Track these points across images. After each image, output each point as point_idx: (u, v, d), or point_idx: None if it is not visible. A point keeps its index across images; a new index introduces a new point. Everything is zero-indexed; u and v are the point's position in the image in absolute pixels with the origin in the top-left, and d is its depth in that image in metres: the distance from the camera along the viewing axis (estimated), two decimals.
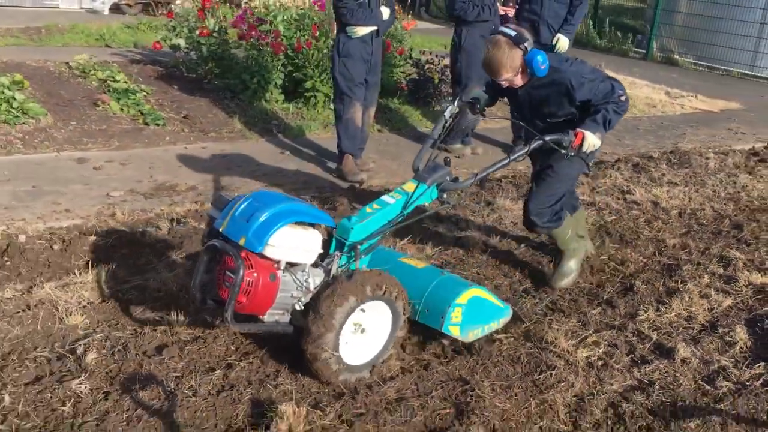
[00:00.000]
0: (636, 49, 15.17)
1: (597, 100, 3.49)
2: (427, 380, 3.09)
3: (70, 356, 2.96)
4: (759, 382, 3.28)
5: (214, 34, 8.10)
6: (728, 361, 3.44)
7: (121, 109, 6.87)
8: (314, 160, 6.27)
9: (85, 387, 2.76)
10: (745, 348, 3.57)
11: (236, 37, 7.83)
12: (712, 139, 8.26)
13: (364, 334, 3.05)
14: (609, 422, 2.96)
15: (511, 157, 3.34)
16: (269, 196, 2.95)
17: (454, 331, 3.19)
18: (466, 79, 6.59)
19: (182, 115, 7.02)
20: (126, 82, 7.50)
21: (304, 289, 2.92)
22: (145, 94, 7.32)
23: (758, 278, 4.34)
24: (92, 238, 4.08)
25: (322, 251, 2.99)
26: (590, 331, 3.59)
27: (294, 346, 2.95)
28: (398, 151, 6.74)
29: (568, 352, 3.36)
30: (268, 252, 2.76)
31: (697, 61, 15.11)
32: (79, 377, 2.81)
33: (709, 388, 3.23)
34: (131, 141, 6.20)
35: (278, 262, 2.82)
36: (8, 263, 3.75)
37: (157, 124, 6.65)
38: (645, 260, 4.55)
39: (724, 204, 5.78)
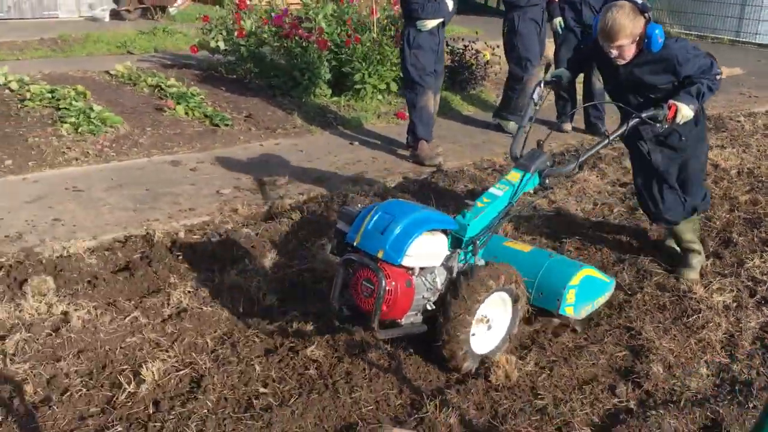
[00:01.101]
0: None
1: (695, 74, 3.47)
2: (595, 331, 3.48)
3: (288, 330, 3.29)
4: None
5: (253, 35, 8.35)
6: None
7: (186, 113, 7.11)
8: (383, 148, 6.60)
9: (319, 353, 3.10)
10: None
11: (279, 36, 8.07)
12: (732, 104, 8.74)
13: (488, 324, 3.16)
14: (759, 353, 3.37)
15: (611, 137, 3.38)
16: (399, 206, 3.01)
17: (569, 311, 3.33)
18: (525, 60, 6.94)
19: (244, 115, 7.29)
20: (178, 87, 7.72)
21: (433, 289, 3.02)
22: (201, 97, 7.56)
23: None
24: (245, 230, 4.37)
25: (449, 252, 3.09)
26: (711, 280, 3.99)
27: None
28: (452, 134, 7.10)
29: (705, 298, 3.76)
30: (406, 262, 2.85)
31: (687, 31, 15.64)
32: (308, 347, 3.14)
33: None
34: (210, 142, 6.48)
35: (412, 269, 2.92)
36: (180, 256, 4.04)
37: (226, 125, 6.92)
38: (727, 216, 4.98)
39: None
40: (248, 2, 9.07)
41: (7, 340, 3.11)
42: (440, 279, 3.05)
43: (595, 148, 3.46)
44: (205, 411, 2.72)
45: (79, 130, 6.25)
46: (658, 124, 3.39)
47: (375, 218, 2.92)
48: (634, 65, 3.50)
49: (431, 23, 5.92)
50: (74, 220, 4.62)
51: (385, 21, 8.24)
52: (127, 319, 3.34)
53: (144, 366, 2.93)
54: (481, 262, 3.19)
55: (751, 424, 2.85)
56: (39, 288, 3.53)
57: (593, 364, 3.21)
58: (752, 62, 12.14)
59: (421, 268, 2.97)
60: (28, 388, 2.81)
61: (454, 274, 3.06)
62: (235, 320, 3.42)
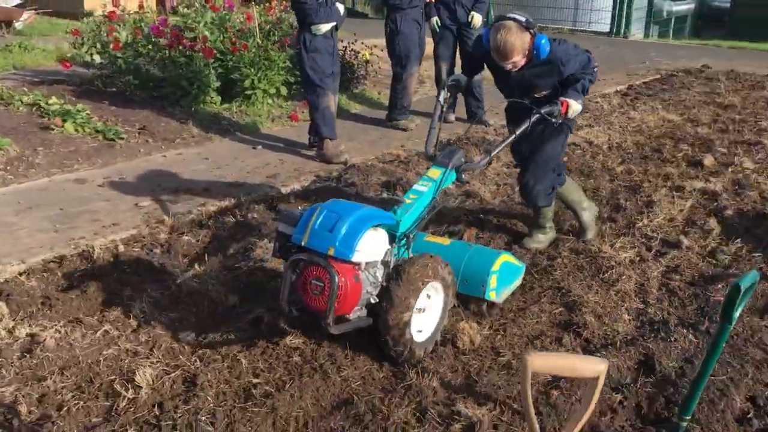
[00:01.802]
0: None
1: (576, 70, 3.81)
2: (531, 293, 3.92)
3: (260, 325, 3.47)
4: (743, 252, 4.44)
5: (129, 47, 8.22)
6: (715, 243, 4.59)
7: (76, 130, 6.92)
8: (287, 150, 6.79)
9: (298, 341, 3.30)
10: (720, 231, 4.75)
11: (162, 46, 8.00)
12: None
13: (425, 313, 3.28)
14: (666, 296, 3.95)
15: (517, 132, 3.67)
16: (342, 204, 3.10)
17: (493, 296, 3.55)
18: (405, 59, 7.39)
19: (137, 128, 7.19)
20: (60, 104, 7.47)
21: (376, 283, 3.12)
22: (87, 112, 7.36)
23: (696, 184, 5.58)
24: (185, 238, 4.44)
25: (388, 247, 3.21)
26: (614, 241, 4.57)
27: None
28: (347, 132, 7.39)
29: (614, 256, 4.32)
30: (356, 257, 2.93)
31: None
32: (286, 337, 3.33)
33: (714, 261, 4.35)
34: (110, 157, 6.37)
35: (359, 264, 3.01)
36: (127, 269, 4.06)
37: (122, 138, 6.82)
38: (610, 185, 5.65)
39: (635, 135, 7.08)
40: (117, 13, 8.89)
41: None
42: (380, 273, 3.16)
43: (504, 143, 3.70)
44: (210, 405, 2.85)
45: None
46: (553, 119, 3.72)
47: (321, 217, 3.00)
48: (525, 69, 3.79)
49: (325, 27, 6.18)
50: None
51: (268, 26, 8.37)
52: (98, 333, 3.36)
53: (136, 373, 3.00)
54: (412, 255, 3.34)
55: (676, 354, 3.38)
56: None
57: (537, 321, 3.64)
58: (591, 48, 13.28)
59: (366, 263, 3.06)
60: (22, 409, 2.81)
61: (392, 268, 3.18)
62: (204, 322, 3.53)
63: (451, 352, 3.33)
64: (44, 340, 3.24)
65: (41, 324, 3.42)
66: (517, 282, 3.84)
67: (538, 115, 3.67)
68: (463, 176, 3.60)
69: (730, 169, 6.00)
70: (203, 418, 2.76)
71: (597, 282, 4.05)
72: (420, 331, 3.23)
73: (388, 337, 3.05)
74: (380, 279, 3.16)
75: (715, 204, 5.22)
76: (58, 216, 5.01)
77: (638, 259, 4.34)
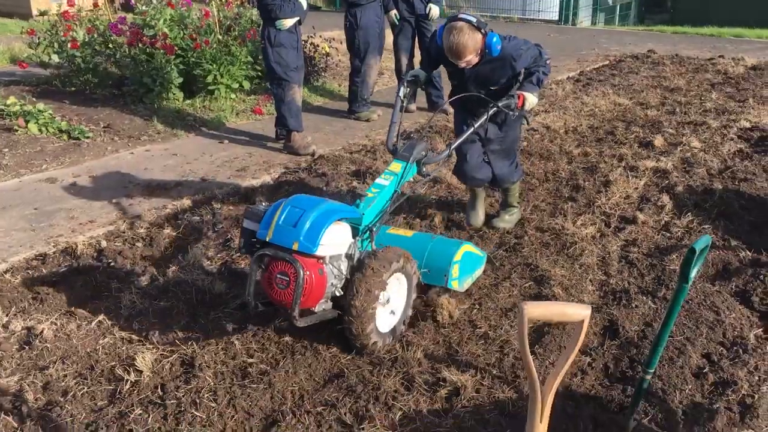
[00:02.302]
0: None
1: (529, 64, 3.94)
2: (502, 270, 4.16)
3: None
4: (693, 224, 4.76)
5: (89, 45, 8.22)
6: (668, 217, 4.91)
7: (39, 130, 6.93)
8: (253, 143, 6.91)
9: (286, 323, 3.47)
10: (672, 207, 5.07)
11: (125, 43, 8.03)
12: None
13: (389, 304, 3.36)
14: (626, 268, 4.24)
15: (475, 125, 3.75)
16: (306, 200, 3.12)
17: (455, 285, 3.63)
18: (365, 52, 7.57)
19: (102, 126, 7.23)
20: (20, 105, 7.44)
21: (340, 276, 3.18)
22: (49, 112, 7.35)
23: (648, 163, 5.91)
24: (167, 230, 4.56)
25: (352, 241, 3.27)
26: (575, 218, 4.85)
27: None
28: (312, 124, 7.54)
29: (576, 232, 4.59)
30: (320, 251, 2.98)
31: (482, 13, 17.16)
32: (275, 320, 3.50)
33: (668, 234, 4.65)
34: (78, 156, 6.41)
35: (323, 258, 3.05)
36: (111, 263, 4.17)
37: (87, 137, 6.85)
38: (569, 167, 5.94)
39: (589, 119, 7.40)
40: (71, 12, 8.85)
41: None
42: (344, 266, 3.21)
43: (462, 137, 3.77)
44: (210, 384, 3.01)
45: None
46: (510, 112, 3.86)
47: (285, 213, 3.03)
48: (479, 66, 3.90)
49: (289, 22, 6.31)
50: None
51: (227, 22, 8.44)
52: (93, 323, 3.49)
53: (136, 358, 3.14)
54: (376, 248, 3.39)
55: (637, 319, 3.66)
56: None
57: (510, 295, 3.88)
58: (543, 37, 13.70)
59: (331, 257, 3.11)
60: (29, 396, 2.93)
61: (356, 260, 3.23)
62: (195, 310, 3.67)
63: (432, 326, 3.54)
64: (41, 331, 3.35)
65: (35, 317, 3.53)
66: (479, 271, 3.93)
67: (495, 108, 3.78)
68: (424, 169, 3.64)
69: (678, 149, 6.35)
70: (204, 397, 2.91)
71: (562, 257, 4.31)
72: (384, 322, 3.30)
73: (353, 328, 3.10)
74: (345, 272, 3.20)
75: (667, 181, 5.54)
76: (33, 215, 5.06)
77: (599, 234, 4.63)
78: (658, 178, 5.63)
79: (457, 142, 3.77)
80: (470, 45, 3.69)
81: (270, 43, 6.34)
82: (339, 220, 3.14)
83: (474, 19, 3.71)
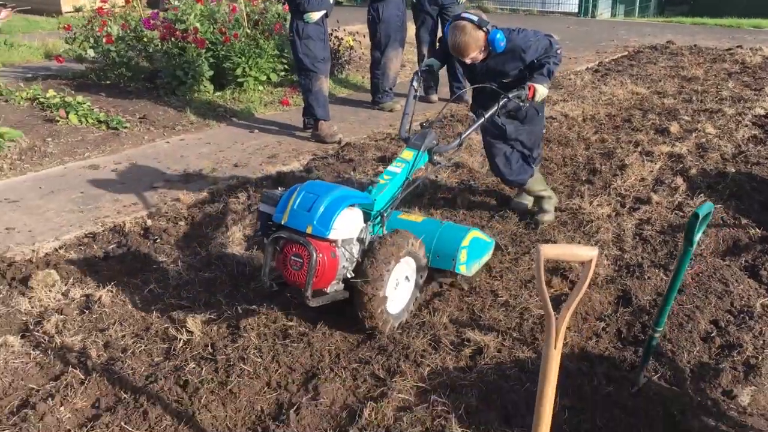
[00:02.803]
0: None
1: (540, 55, 4.01)
2: (520, 246, 4.42)
3: None
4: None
5: (123, 39, 8.57)
6: (682, 198, 5.13)
7: (80, 121, 7.28)
8: (282, 132, 7.21)
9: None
10: (685, 188, 5.29)
11: (158, 38, 8.37)
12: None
13: (399, 286, 3.48)
14: (640, 244, 4.48)
15: (486, 116, 3.81)
16: (320, 186, 3.24)
17: (463, 269, 3.74)
18: (386, 45, 7.84)
19: (138, 117, 7.57)
20: (61, 97, 7.80)
21: (352, 259, 3.29)
22: (87, 104, 7.71)
23: (664, 148, 6.12)
24: (207, 210, 4.87)
25: (363, 225, 3.39)
26: (591, 200, 5.09)
27: None
28: (338, 114, 7.80)
29: (592, 212, 4.84)
30: (332, 235, 3.10)
31: (502, 6, 17.34)
32: None
33: (681, 213, 4.88)
34: (118, 145, 6.75)
35: (336, 241, 3.17)
36: (157, 240, 4.49)
37: (125, 127, 7.19)
38: (586, 152, 6.17)
39: (607, 107, 7.61)
40: (105, 8, 9.19)
41: (45, 323, 3.49)
42: (356, 249, 3.32)
43: (473, 127, 3.82)
44: (255, 343, 3.31)
45: None
46: (522, 103, 3.91)
47: (300, 198, 3.15)
48: (488, 60, 4.02)
49: (316, 15, 6.60)
50: (27, 227, 4.86)
51: (255, 16, 8.75)
52: (145, 291, 3.80)
53: (187, 321, 3.45)
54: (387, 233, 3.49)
55: (649, 290, 3.90)
56: (45, 281, 3.87)
57: (528, 268, 4.14)
58: (563, 29, 13.87)
59: (343, 241, 3.22)
60: (92, 353, 3.25)
61: (367, 244, 3.36)
62: (236, 281, 3.97)
63: (456, 294, 3.81)
64: (99, 298, 3.67)
65: (92, 286, 3.85)
66: (487, 256, 4.03)
67: (506, 99, 3.82)
68: (435, 158, 3.74)
69: (693, 135, 6.55)
70: (251, 354, 3.21)
71: (579, 234, 4.56)
72: (394, 304, 3.43)
73: (364, 310, 3.23)
74: (356, 255, 3.31)
75: (681, 165, 5.76)
76: (80, 198, 5.39)
77: (614, 213, 4.87)
78: (673, 162, 5.84)
79: (468, 132, 3.81)
80: (471, 44, 3.82)
81: (298, 35, 6.63)
82: (351, 205, 3.25)
83: (476, 18, 3.82)
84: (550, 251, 1.81)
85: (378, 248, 3.26)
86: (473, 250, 3.83)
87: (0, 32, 13.47)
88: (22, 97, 7.98)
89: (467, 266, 3.79)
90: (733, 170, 5.61)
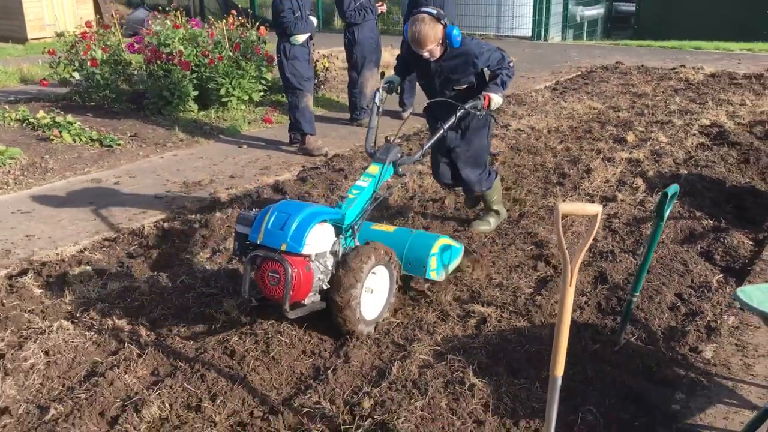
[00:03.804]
0: None
1: (493, 67, 4.22)
2: (506, 237, 4.96)
3: None
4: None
5: (107, 63, 8.94)
6: (642, 196, 5.76)
7: (74, 140, 7.61)
8: (270, 147, 7.67)
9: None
10: (645, 188, 5.92)
11: (145, 61, 8.76)
12: (518, 85, 10.85)
13: (373, 294, 3.67)
14: (609, 234, 5.06)
15: (445, 126, 4.02)
16: (291, 205, 3.45)
17: (434, 275, 3.92)
18: (361, 65, 8.38)
19: (129, 135, 7.93)
20: (51, 118, 8.11)
21: (326, 271, 3.49)
22: (78, 124, 8.03)
23: (623, 155, 6.78)
24: (217, 215, 5.28)
25: (335, 238, 3.59)
26: (564, 198, 5.67)
27: None
28: (319, 130, 8.26)
29: None
30: (305, 250, 3.29)
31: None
32: None
33: (642, 208, 5.50)
34: (114, 161, 7.10)
35: (309, 255, 3.35)
36: (176, 241, 4.88)
37: (118, 145, 7.54)
38: (555, 159, 6.78)
39: (569, 120, 8.28)
40: (87, 32, 9.53)
41: (91, 311, 3.87)
42: (330, 262, 3.51)
43: (433, 139, 4.04)
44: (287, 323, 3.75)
45: None
46: (478, 112, 4.12)
47: (273, 217, 3.35)
48: (443, 61, 4.21)
49: (302, 37, 7.12)
50: (45, 234, 5.20)
51: (236, 40, 9.20)
52: (177, 282, 4.21)
53: (223, 303, 3.87)
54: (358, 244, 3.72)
55: (621, 270, 4.47)
56: (81, 276, 4.24)
57: (516, 256, 4.68)
58: (519, 52, 14.64)
59: (316, 255, 3.41)
60: (141, 332, 3.65)
61: (340, 256, 3.55)
62: None
63: (455, 278, 4.32)
64: (138, 287, 4.06)
65: (127, 279, 4.24)
66: (457, 261, 4.19)
67: (463, 110, 4.02)
68: (400, 170, 3.92)
69: (648, 143, 7.23)
70: (286, 327, 3.65)
71: (555, 234, 5.12)
72: (369, 310, 3.63)
73: (340, 316, 3.44)
74: (330, 267, 3.50)
75: (639, 169, 6.41)
76: (90, 208, 5.75)
77: (586, 230, 5.44)
78: (632, 167, 6.49)
79: (428, 144, 4.03)
80: (431, 34, 3.98)
81: (285, 56, 7.13)
82: (322, 221, 3.45)
83: (435, 11, 4.01)
84: (565, 207, 2.33)
85: (350, 259, 3.44)
86: (443, 256, 4.00)
87: None
88: (11, 118, 8.26)
89: (437, 272, 3.96)
90: (686, 172, 6.27)
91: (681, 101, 9.23)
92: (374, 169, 3.83)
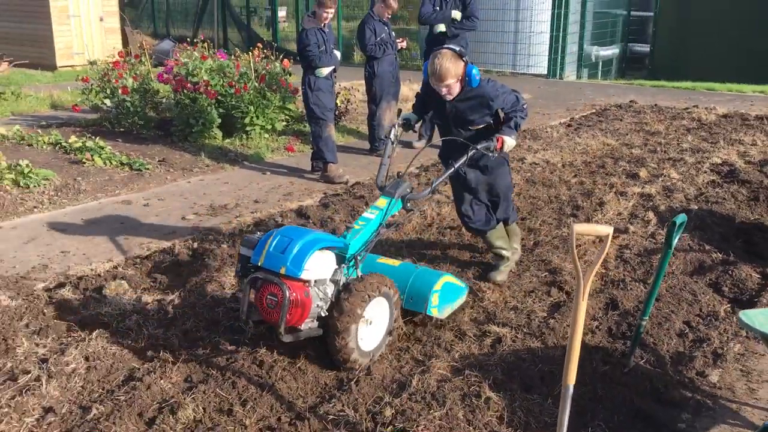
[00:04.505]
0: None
1: (507, 109, 4.25)
2: (522, 265, 5.16)
3: None
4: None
5: (137, 91, 9.31)
6: (653, 229, 5.95)
7: (105, 163, 7.92)
8: (292, 174, 7.94)
9: None
10: (656, 221, 6.11)
11: (172, 90, 9.11)
12: (534, 121, 11.10)
13: (371, 326, 3.65)
14: (621, 264, 5.24)
15: (456, 165, 4.04)
16: (294, 230, 3.51)
17: (435, 312, 3.94)
18: (380, 97, 8.66)
19: (158, 160, 8.23)
20: (81, 142, 8.43)
21: (325, 298, 3.51)
22: (108, 148, 8.35)
23: (635, 189, 6.98)
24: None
25: (336, 267, 3.63)
26: None
27: None
28: (340, 159, 8.56)
29: (579, 239, 5.61)
30: (304, 275, 3.33)
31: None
32: None
33: (654, 240, 5.69)
34: (144, 184, 7.39)
35: (309, 281, 3.39)
36: (206, 259, 5.12)
37: (147, 169, 7.84)
38: (569, 192, 7.00)
39: (582, 156, 8.51)
40: (120, 61, 9.92)
41: (126, 321, 4.10)
42: (330, 290, 3.53)
43: (443, 176, 4.09)
44: None
45: (21, 183, 6.89)
46: (490, 154, 4.12)
47: (275, 241, 3.41)
48: (458, 101, 4.21)
49: (326, 70, 7.43)
50: (80, 251, 5.46)
51: (262, 71, 9.54)
52: (208, 297, 4.43)
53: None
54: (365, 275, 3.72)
55: (632, 298, 4.65)
56: (117, 290, 4.48)
57: (530, 281, 4.87)
58: (534, 89, 14.95)
59: (316, 281, 3.44)
60: (174, 341, 3.87)
61: (341, 286, 3.57)
62: None
63: (472, 300, 4.52)
64: (170, 301, 4.29)
65: (160, 293, 4.47)
66: (461, 300, 4.20)
67: (474, 151, 4.02)
68: (408, 204, 3.96)
69: (660, 179, 7.43)
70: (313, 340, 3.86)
71: (570, 255, 5.32)
72: (366, 342, 3.62)
73: (336, 344, 3.43)
74: (330, 295, 3.52)
75: (651, 203, 6.60)
76: (122, 227, 6.01)
77: (598, 240, 5.65)
78: (644, 201, 6.69)
79: (438, 181, 4.06)
80: (452, 69, 3.99)
81: (310, 87, 7.43)
82: (323, 248, 3.49)
83: (457, 48, 4.07)
84: (579, 228, 2.55)
85: (353, 287, 3.46)
86: (446, 294, 4.02)
87: None
88: (44, 142, 8.60)
89: (439, 309, 3.99)
90: (696, 207, 6.46)
91: (693, 140, 9.44)
92: (382, 202, 3.88)
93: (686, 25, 18.84)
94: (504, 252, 4.88)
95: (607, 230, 2.56)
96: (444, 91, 4.12)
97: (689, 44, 18.50)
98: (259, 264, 3.41)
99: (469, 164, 4.28)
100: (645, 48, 20.51)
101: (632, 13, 20.58)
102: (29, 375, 3.53)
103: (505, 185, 4.71)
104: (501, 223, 4.85)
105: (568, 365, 2.64)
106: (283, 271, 3.33)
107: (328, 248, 3.55)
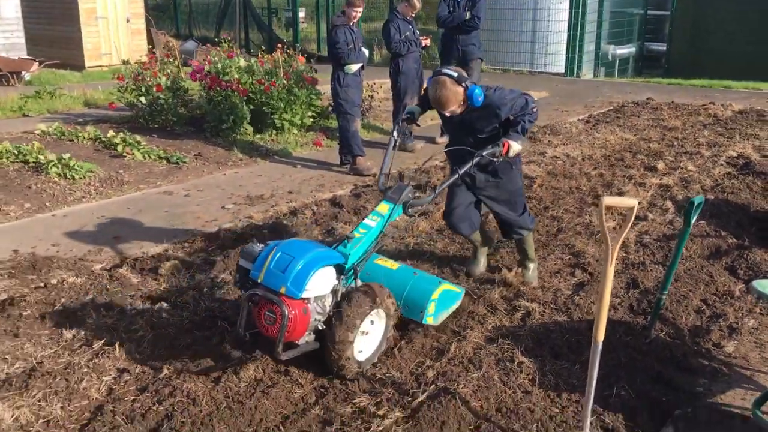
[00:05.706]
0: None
1: (516, 113, 4.14)
2: (547, 248, 5.47)
3: None
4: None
5: (170, 89, 9.70)
6: (671, 217, 6.24)
7: (144, 157, 8.30)
8: (322, 167, 8.28)
9: None
10: (674, 210, 6.40)
11: (206, 88, 9.49)
12: (552, 118, 11.39)
13: (367, 336, 3.63)
14: (641, 248, 5.54)
15: (460, 172, 3.96)
16: (296, 246, 3.42)
17: (430, 321, 3.90)
18: (404, 94, 8.98)
19: (193, 154, 8.60)
20: (122, 137, 8.81)
21: (323, 312, 3.49)
22: (145, 143, 8.73)
23: (654, 180, 7.26)
24: (284, 221, 5.87)
25: (336, 280, 3.57)
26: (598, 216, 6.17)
27: None
28: (367, 153, 8.89)
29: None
30: (305, 295, 3.30)
31: (494, 66, 18.76)
32: None
33: (672, 227, 5.97)
34: (183, 176, 7.76)
35: (309, 299, 3.37)
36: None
37: (184, 162, 8.21)
38: (589, 183, 7.29)
39: (602, 150, 8.79)
40: (148, 63, 10.31)
41: (183, 296, 4.44)
42: (329, 303, 3.51)
43: (448, 182, 4.02)
44: None
45: (68, 175, 7.28)
46: (495, 159, 4.03)
47: (276, 258, 3.33)
48: (465, 114, 4.14)
49: (355, 67, 7.77)
50: (130, 236, 5.82)
51: (289, 68, 9.89)
52: None
53: None
54: (360, 284, 3.72)
55: (652, 278, 4.95)
56: (172, 270, 4.84)
57: (555, 264, 5.18)
58: (552, 87, 15.22)
59: (315, 297, 3.42)
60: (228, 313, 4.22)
61: (339, 297, 3.54)
62: None
63: (500, 280, 4.84)
64: (222, 279, 4.64)
65: (212, 273, 4.82)
66: (457, 304, 4.16)
67: (479, 157, 3.95)
68: (410, 210, 3.89)
69: (677, 171, 7.71)
70: None
71: (591, 240, 5.62)
72: (362, 352, 3.61)
73: (333, 353, 3.40)
74: (328, 307, 3.50)
75: (669, 193, 6.88)
76: (167, 216, 6.37)
77: (618, 227, 5.95)
78: (662, 191, 6.97)
79: (442, 187, 3.95)
80: (451, 97, 3.94)
81: (339, 83, 7.77)
82: (325, 265, 3.43)
83: (456, 74, 3.93)
84: (608, 200, 2.86)
85: (351, 298, 3.46)
86: (442, 301, 4.00)
87: (29, 84, 14.58)
88: (84, 137, 8.99)
89: (434, 317, 3.94)
90: (713, 197, 6.73)
91: (709, 135, 9.69)
92: (384, 208, 3.80)
93: (702, 24, 19.05)
94: (532, 257, 4.88)
95: (633, 202, 2.87)
96: (448, 114, 4.11)
97: (705, 43, 18.70)
98: (259, 281, 3.37)
99: (479, 168, 4.30)
100: (661, 47, 20.71)
101: (649, 12, 20.79)
102: (102, 341, 3.89)
103: (515, 188, 4.55)
104: (530, 233, 4.77)
105: (598, 323, 2.95)
106: (283, 291, 3.29)
107: (329, 264, 3.51)
